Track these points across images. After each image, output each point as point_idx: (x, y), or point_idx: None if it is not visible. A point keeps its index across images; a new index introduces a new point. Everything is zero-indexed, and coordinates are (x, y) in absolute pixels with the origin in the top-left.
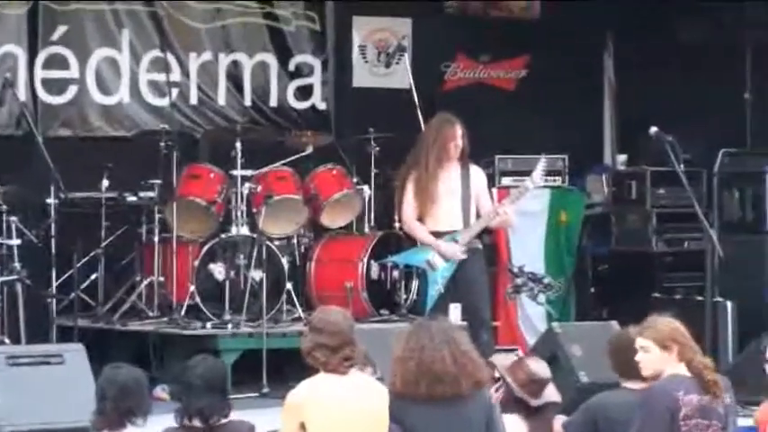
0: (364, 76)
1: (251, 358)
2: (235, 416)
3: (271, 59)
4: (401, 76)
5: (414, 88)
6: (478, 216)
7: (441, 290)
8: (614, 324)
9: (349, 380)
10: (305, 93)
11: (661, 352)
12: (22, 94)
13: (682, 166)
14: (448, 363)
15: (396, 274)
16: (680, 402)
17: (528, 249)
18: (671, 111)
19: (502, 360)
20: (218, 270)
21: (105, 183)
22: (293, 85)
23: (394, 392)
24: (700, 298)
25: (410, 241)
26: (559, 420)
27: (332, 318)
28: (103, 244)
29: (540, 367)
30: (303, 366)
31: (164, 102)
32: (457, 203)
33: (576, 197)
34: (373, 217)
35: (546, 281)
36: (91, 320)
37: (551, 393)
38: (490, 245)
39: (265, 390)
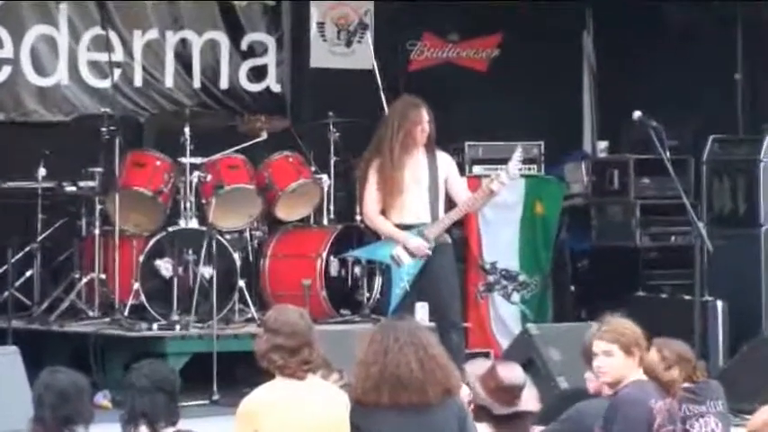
0: (323, 55)
1: (200, 362)
2: (183, 425)
3: (222, 38)
4: (363, 55)
5: (377, 69)
6: (452, 206)
7: (406, 288)
8: (595, 325)
9: (307, 385)
10: (259, 74)
11: (625, 357)
12: None
13: (668, 153)
14: (414, 368)
15: (357, 270)
16: (654, 412)
17: (501, 244)
18: (656, 93)
19: (476, 367)
20: (164, 266)
21: (42, 171)
22: (246, 66)
23: (355, 399)
24: (688, 297)
25: (373, 235)
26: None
27: (289, 317)
28: (40, 238)
29: (510, 373)
30: (257, 371)
31: (105, 83)
32: (424, 194)
33: (554, 187)
34: (333, 209)
35: (520, 278)
36: (26, 321)
37: (527, 401)
38: (460, 239)
39: (216, 396)
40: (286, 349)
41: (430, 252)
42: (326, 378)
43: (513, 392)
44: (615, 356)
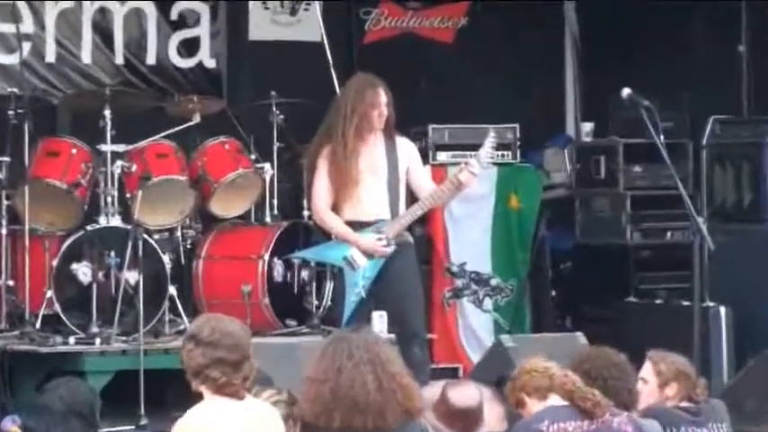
0: (264, 26)
1: (125, 381)
2: None
3: (148, 6)
4: (310, 26)
5: (326, 42)
6: (414, 200)
7: (362, 295)
8: (580, 336)
9: (245, 406)
10: (190, 47)
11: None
12: None
13: (662, 137)
14: (371, 388)
15: (305, 274)
16: None
17: (470, 243)
18: (648, 69)
19: (429, 393)
20: (82, 271)
21: None
22: (176, 38)
23: (303, 422)
24: (686, 303)
25: (323, 234)
26: None
27: (228, 327)
28: None
29: (462, 395)
30: (190, 391)
31: (12, 59)
32: (382, 186)
33: (531, 177)
34: (276, 203)
35: (493, 282)
36: None
37: (492, 423)
38: (423, 238)
39: (143, 421)
40: (228, 364)
41: (389, 249)
42: (259, 395)
43: (468, 416)
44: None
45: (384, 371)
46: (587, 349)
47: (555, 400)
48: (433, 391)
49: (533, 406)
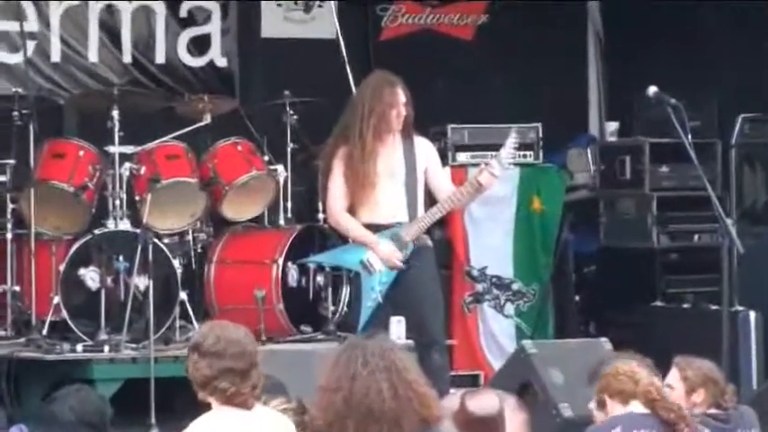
0: (277, 23)
1: (134, 389)
2: None
3: (156, 3)
4: (325, 23)
5: (341, 39)
6: (433, 203)
7: (379, 300)
8: (605, 342)
9: (255, 415)
10: (201, 46)
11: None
12: None
13: (689, 136)
14: (386, 397)
15: (321, 279)
16: None
17: (491, 247)
18: (674, 67)
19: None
20: (90, 276)
21: None
22: (186, 36)
23: (316, 431)
24: (714, 307)
25: (338, 237)
26: None
27: (233, 335)
28: None
29: (480, 403)
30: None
31: (17, 58)
32: (400, 188)
33: (554, 178)
34: (290, 206)
35: (515, 287)
36: None
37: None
38: (443, 241)
39: (154, 430)
40: (236, 373)
41: (402, 265)
42: (268, 403)
43: (488, 425)
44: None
45: (400, 378)
46: (601, 360)
47: (636, 406)
48: (452, 400)
49: (614, 409)
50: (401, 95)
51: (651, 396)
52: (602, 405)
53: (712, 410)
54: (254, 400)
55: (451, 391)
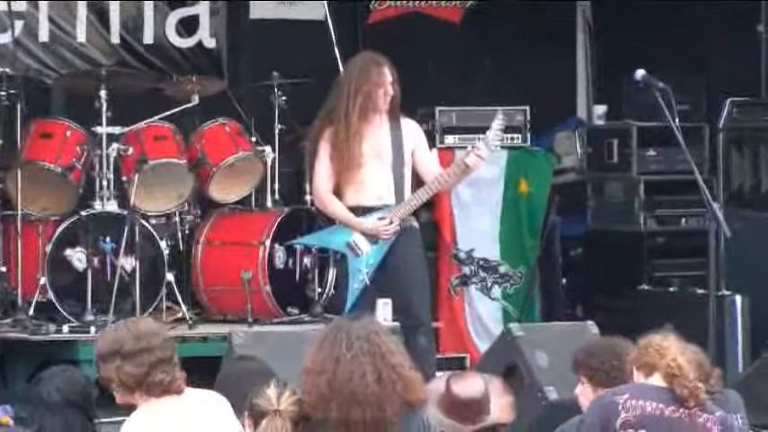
0: (265, 4)
1: None
2: None
3: None
4: (313, 4)
5: (330, 20)
6: (420, 184)
7: (366, 282)
8: (591, 325)
9: (188, 399)
10: (189, 26)
11: None
12: None
13: (677, 119)
14: (369, 380)
15: (307, 261)
16: (619, 407)
17: (478, 229)
18: (663, 49)
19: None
20: (77, 257)
21: None
22: (174, 17)
23: (303, 414)
24: (701, 291)
25: (326, 219)
26: None
27: (150, 328)
28: None
29: (465, 387)
30: (188, 379)
31: (4, 38)
32: (386, 170)
33: (541, 161)
34: (278, 187)
35: (502, 269)
36: None
37: (498, 411)
38: (430, 224)
39: None
40: (167, 361)
41: (393, 228)
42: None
43: (473, 407)
44: None
45: (384, 362)
46: (588, 344)
47: (657, 379)
48: (437, 383)
49: (638, 380)
50: (388, 75)
51: (670, 371)
52: (630, 376)
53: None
54: (183, 383)
55: (438, 373)
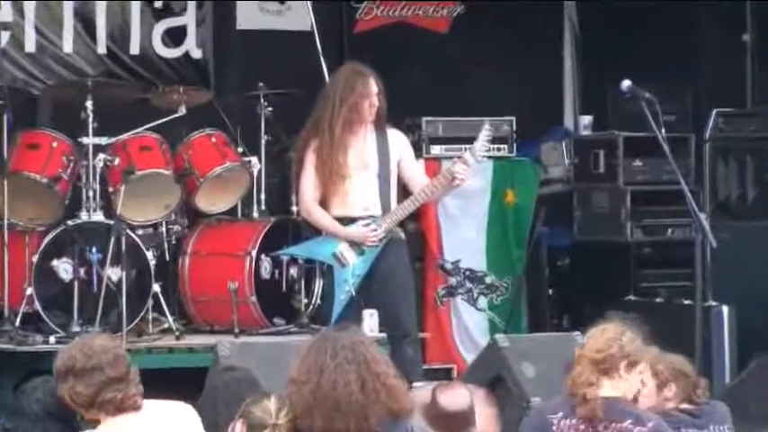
0: (252, 14)
1: None
2: None
3: None
4: (300, 14)
5: (316, 31)
6: (406, 195)
7: (352, 293)
8: (577, 336)
9: (147, 413)
10: (176, 37)
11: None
12: None
13: (663, 130)
14: (353, 389)
15: (294, 271)
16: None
17: (465, 240)
18: (649, 60)
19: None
20: (63, 268)
21: None
22: (161, 27)
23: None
24: (687, 302)
25: (312, 229)
26: None
27: (101, 344)
28: None
29: (452, 398)
30: (174, 389)
31: None
32: (372, 180)
33: (528, 171)
34: (264, 198)
35: (488, 280)
36: None
37: (483, 424)
38: (416, 234)
39: None
40: (119, 380)
41: (380, 233)
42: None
43: (458, 420)
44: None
45: (369, 371)
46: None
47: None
48: (422, 393)
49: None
50: (373, 86)
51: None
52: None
53: (684, 405)
54: (140, 399)
55: (421, 383)
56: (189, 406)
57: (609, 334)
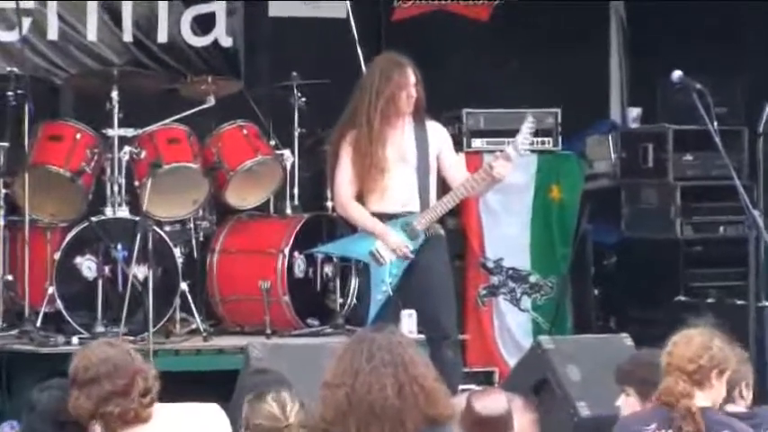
0: (286, 2)
1: None
2: None
3: None
4: (336, 2)
5: (352, 18)
6: (446, 190)
7: (389, 292)
8: (625, 338)
9: (162, 421)
10: (205, 25)
11: None
12: None
13: (715, 123)
14: (389, 393)
15: (328, 270)
16: None
17: (507, 237)
18: (700, 49)
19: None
20: (86, 265)
21: None
22: (189, 15)
23: (319, 429)
24: (740, 302)
25: (347, 226)
26: None
27: (101, 353)
28: None
29: (488, 403)
30: (203, 392)
31: (11, 36)
32: (411, 175)
33: (573, 166)
34: (297, 193)
35: (532, 279)
36: None
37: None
38: (457, 231)
39: None
40: (117, 394)
41: (411, 255)
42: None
43: (495, 426)
44: None
45: (406, 373)
46: (636, 354)
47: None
48: (458, 399)
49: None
50: (411, 76)
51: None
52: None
53: (738, 408)
54: (148, 410)
55: (460, 388)
56: (218, 408)
57: (697, 342)
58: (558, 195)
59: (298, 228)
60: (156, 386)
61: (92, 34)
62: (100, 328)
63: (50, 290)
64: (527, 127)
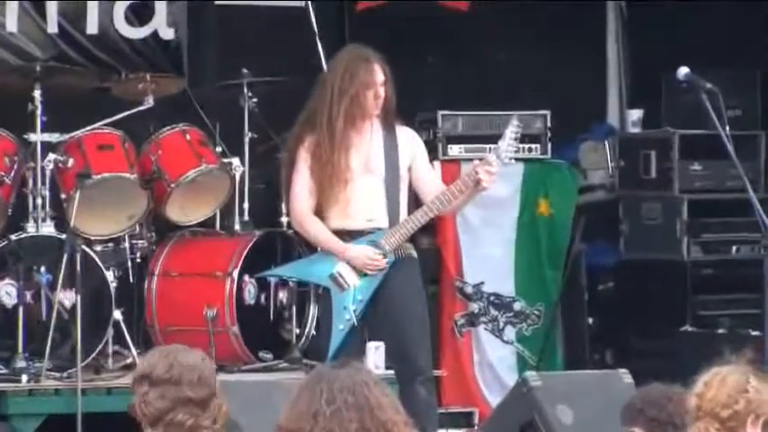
0: None
1: (58, 427)
2: None
3: None
4: None
5: (311, 8)
6: (419, 204)
7: (354, 322)
8: (624, 374)
9: None
10: (142, 14)
11: None
12: None
13: (727, 127)
14: None
15: (283, 296)
16: None
17: (489, 258)
18: (708, 45)
19: None
20: (5, 290)
21: None
22: (124, 3)
23: None
24: (755, 333)
25: (305, 246)
26: None
27: (189, 360)
28: None
29: None
30: None
31: None
32: (378, 186)
33: (565, 176)
34: (248, 207)
35: (516, 307)
36: None
37: None
38: (431, 251)
39: None
40: (195, 403)
41: (386, 264)
42: None
43: None
44: None
45: (372, 418)
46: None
47: None
48: None
49: None
50: (378, 73)
51: None
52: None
53: None
54: None
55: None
56: None
57: (732, 383)
58: (546, 210)
59: (248, 247)
60: (222, 423)
61: (11, 25)
62: (21, 363)
63: None
64: (511, 132)
